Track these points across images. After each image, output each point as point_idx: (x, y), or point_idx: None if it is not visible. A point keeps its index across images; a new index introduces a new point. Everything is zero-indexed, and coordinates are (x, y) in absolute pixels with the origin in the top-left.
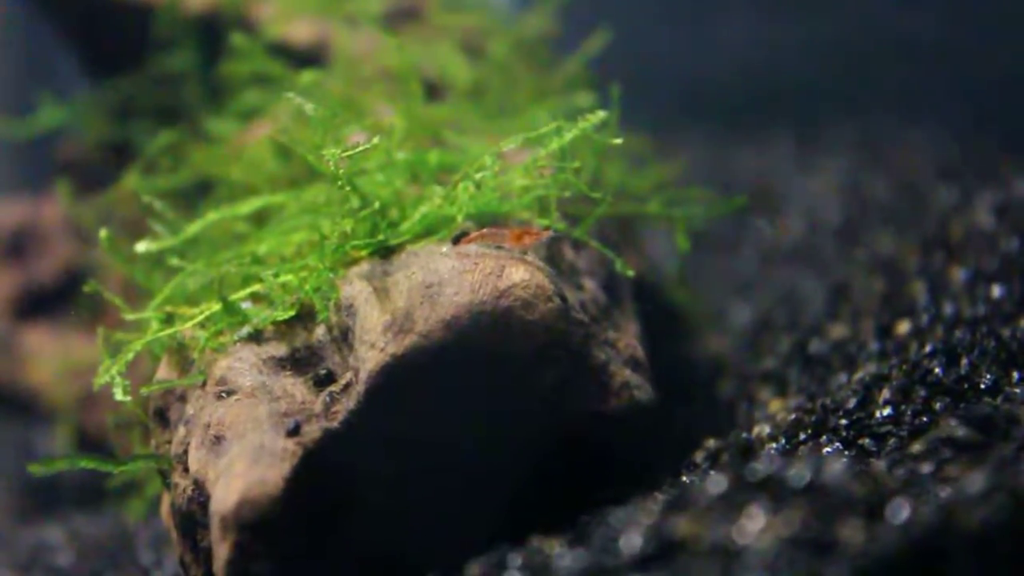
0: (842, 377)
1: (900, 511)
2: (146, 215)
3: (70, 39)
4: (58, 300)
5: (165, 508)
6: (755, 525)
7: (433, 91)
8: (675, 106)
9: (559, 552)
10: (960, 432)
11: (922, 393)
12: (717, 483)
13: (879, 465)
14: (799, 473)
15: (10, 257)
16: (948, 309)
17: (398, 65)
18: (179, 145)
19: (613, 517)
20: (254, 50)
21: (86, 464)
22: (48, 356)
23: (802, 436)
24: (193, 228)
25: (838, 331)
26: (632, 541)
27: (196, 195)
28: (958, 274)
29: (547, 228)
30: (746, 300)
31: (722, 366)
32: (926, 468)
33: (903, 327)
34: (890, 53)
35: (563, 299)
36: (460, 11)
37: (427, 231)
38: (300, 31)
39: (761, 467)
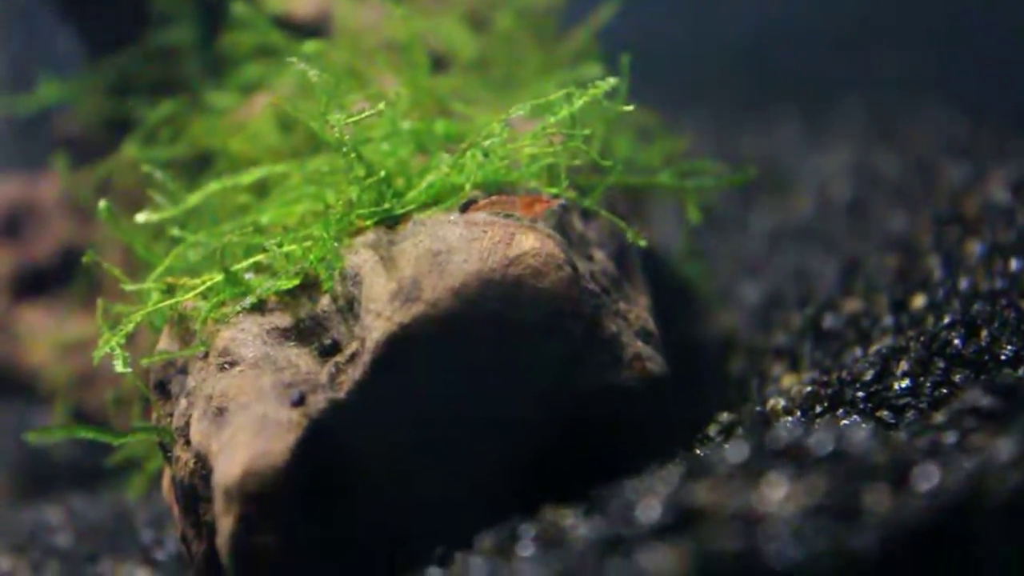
0: (857, 351)
1: (927, 478)
2: (145, 189)
3: (66, 14)
4: (55, 279)
5: (166, 483)
6: (778, 493)
7: (438, 64)
8: (680, 85)
9: (573, 522)
10: (984, 401)
11: (941, 365)
12: (738, 451)
13: (901, 435)
14: (822, 440)
15: (6, 236)
16: (964, 283)
17: (403, 36)
18: (179, 117)
19: (629, 487)
20: (256, 19)
21: (84, 434)
22: (46, 336)
23: (818, 409)
24: (194, 198)
25: (851, 306)
26: (650, 510)
27: (196, 168)
28: (974, 248)
29: (557, 197)
30: (755, 278)
31: (732, 342)
32: (950, 438)
33: (919, 301)
34: (899, 29)
35: (574, 268)
36: None
37: (434, 200)
38: (302, 4)
39: (783, 434)
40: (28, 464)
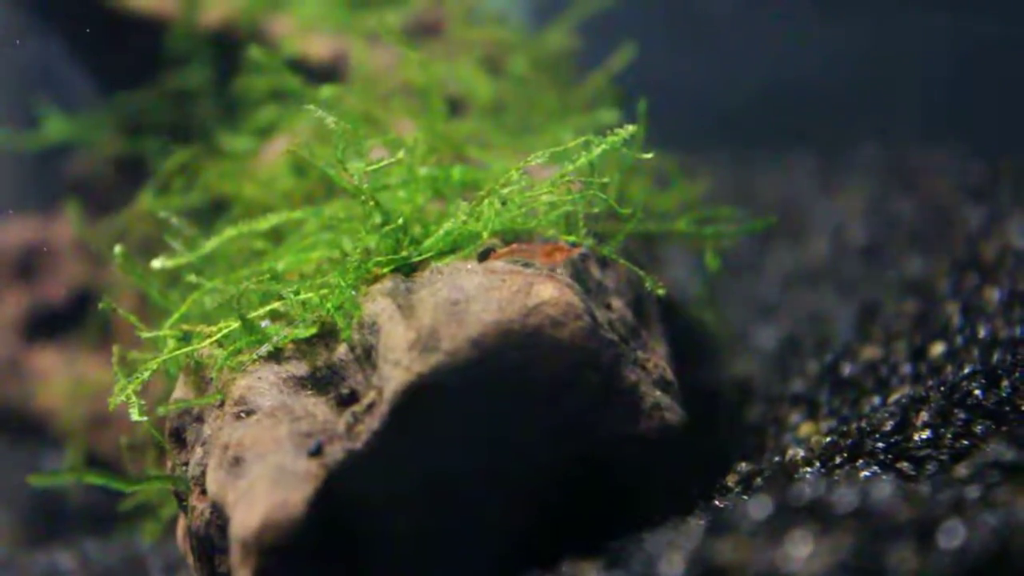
0: (875, 400)
1: (952, 536)
2: (159, 236)
3: (81, 55)
4: (68, 321)
5: (181, 532)
6: (802, 551)
7: (454, 107)
8: (695, 129)
9: None
10: (1009, 455)
11: (962, 416)
12: (761, 506)
13: (924, 489)
14: (846, 496)
15: (19, 277)
16: (984, 331)
17: (419, 80)
18: (193, 163)
19: (650, 541)
20: (271, 63)
21: (94, 480)
22: (57, 378)
23: (838, 460)
24: (210, 244)
25: (869, 353)
26: (673, 566)
27: (211, 215)
28: (993, 295)
29: (577, 245)
30: (770, 323)
31: (748, 389)
32: (973, 492)
33: (937, 348)
34: (915, 72)
35: (592, 318)
36: (480, 26)
37: (452, 248)
38: (317, 47)
39: (807, 490)
40: (41, 508)
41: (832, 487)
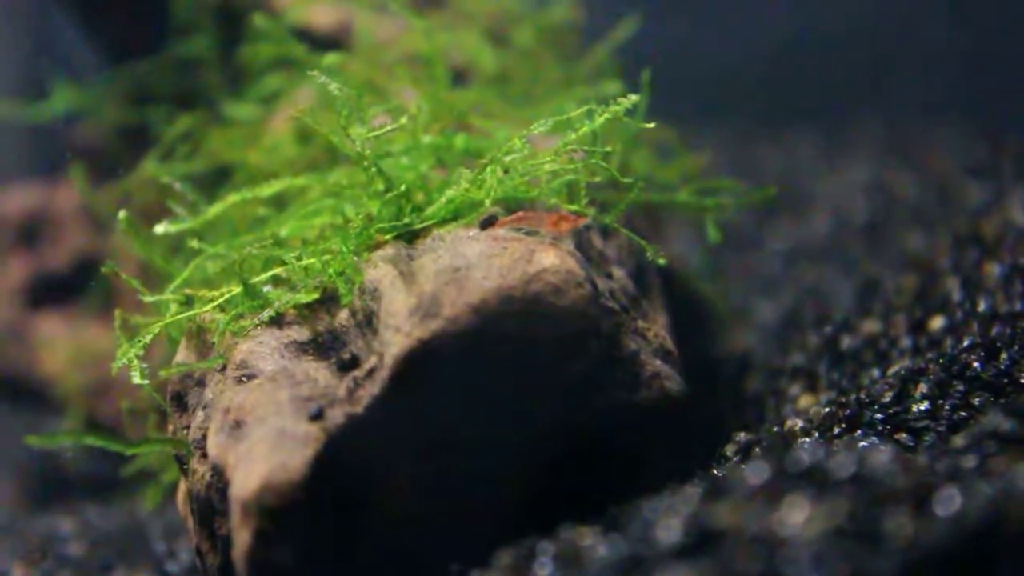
0: (875, 372)
1: (948, 503)
2: (163, 203)
3: (84, 24)
4: (71, 288)
5: (181, 496)
6: (799, 516)
7: (458, 78)
8: (697, 102)
9: (592, 542)
10: (1005, 425)
11: (960, 388)
12: (758, 472)
13: (921, 458)
14: (843, 462)
15: (23, 244)
16: (983, 305)
17: (424, 49)
18: (197, 131)
19: (648, 507)
20: (275, 31)
21: (92, 442)
22: (60, 345)
23: (836, 430)
24: (213, 210)
25: (869, 327)
26: (670, 531)
27: (215, 182)
28: (993, 270)
29: (582, 215)
30: (772, 297)
31: (749, 361)
32: (970, 462)
33: (937, 323)
34: (919, 49)
35: (593, 286)
36: None
37: (454, 216)
38: (322, 16)
39: (804, 456)
40: (42, 474)
41: (830, 454)
